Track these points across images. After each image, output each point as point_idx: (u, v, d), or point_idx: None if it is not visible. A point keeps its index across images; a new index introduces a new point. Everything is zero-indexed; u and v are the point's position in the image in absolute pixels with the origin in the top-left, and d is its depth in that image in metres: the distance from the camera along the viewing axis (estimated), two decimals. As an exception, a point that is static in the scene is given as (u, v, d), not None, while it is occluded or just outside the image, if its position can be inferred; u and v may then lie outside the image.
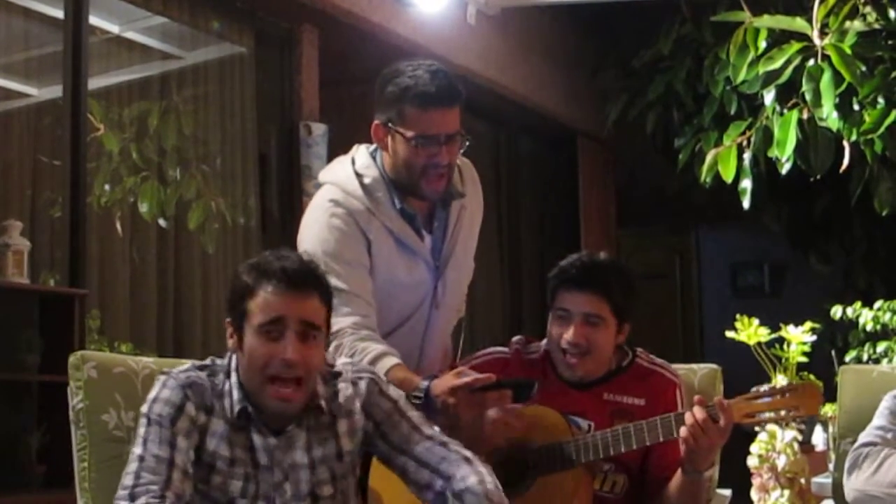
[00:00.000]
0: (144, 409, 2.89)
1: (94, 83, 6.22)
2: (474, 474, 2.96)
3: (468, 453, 3.03)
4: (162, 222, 6.61)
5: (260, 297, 2.91)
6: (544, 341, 3.68)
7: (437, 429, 3.11)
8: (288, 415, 2.96)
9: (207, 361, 3.03)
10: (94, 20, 6.18)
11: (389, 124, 3.51)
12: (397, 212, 3.56)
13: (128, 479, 2.81)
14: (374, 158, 3.62)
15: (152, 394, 2.91)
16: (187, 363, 3.03)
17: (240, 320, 2.94)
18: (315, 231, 3.55)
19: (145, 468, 2.81)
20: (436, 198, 3.59)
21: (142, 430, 2.87)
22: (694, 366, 3.94)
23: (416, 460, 3.05)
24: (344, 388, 3.07)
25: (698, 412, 3.29)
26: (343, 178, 3.60)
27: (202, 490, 2.90)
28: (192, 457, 2.88)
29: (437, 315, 3.69)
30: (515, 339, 3.80)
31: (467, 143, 3.57)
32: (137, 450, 2.84)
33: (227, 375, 2.99)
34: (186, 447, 2.87)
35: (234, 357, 2.99)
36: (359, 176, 3.57)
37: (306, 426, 2.99)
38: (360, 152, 3.67)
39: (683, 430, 3.30)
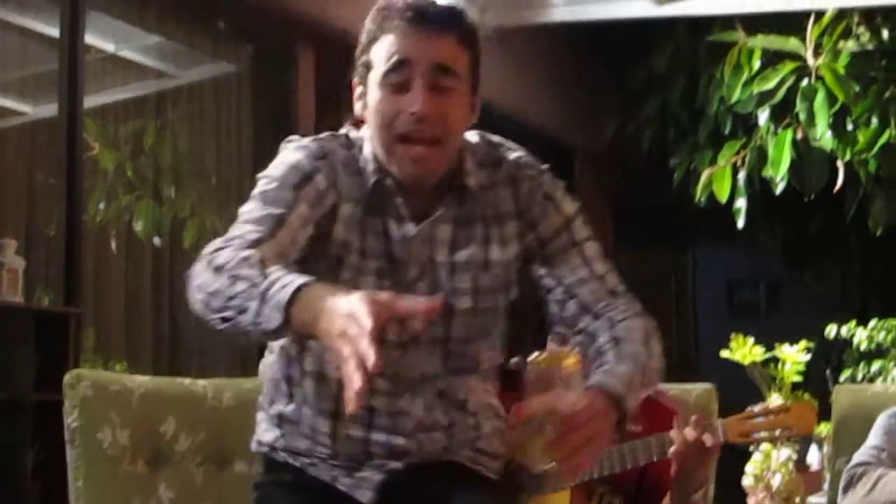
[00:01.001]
0: (263, 175, 2.50)
1: (90, 101, 6.23)
2: (641, 330, 2.51)
3: (639, 308, 2.58)
4: (157, 240, 6.61)
5: (383, 40, 2.44)
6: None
7: (608, 267, 2.62)
8: (428, 191, 2.50)
9: (343, 131, 2.60)
10: (89, 39, 6.19)
11: None
12: None
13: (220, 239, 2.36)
14: None
15: (275, 162, 2.52)
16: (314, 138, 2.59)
17: (364, 75, 2.49)
18: None
19: (246, 220, 2.39)
20: None
21: (254, 193, 2.46)
22: (689, 386, 3.94)
23: (580, 303, 2.57)
24: (502, 184, 2.59)
25: (689, 432, 3.29)
26: None
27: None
28: (309, 231, 2.43)
29: None
30: (513, 360, 3.80)
31: None
32: (242, 210, 2.43)
33: (362, 149, 2.53)
34: (306, 215, 2.43)
35: (364, 128, 2.54)
36: None
37: (452, 217, 2.53)
38: None
39: (672, 449, 3.30)
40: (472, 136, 2.62)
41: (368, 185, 2.49)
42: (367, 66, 2.47)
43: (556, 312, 2.63)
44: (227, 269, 2.23)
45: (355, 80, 2.53)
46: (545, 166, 2.68)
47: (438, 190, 2.52)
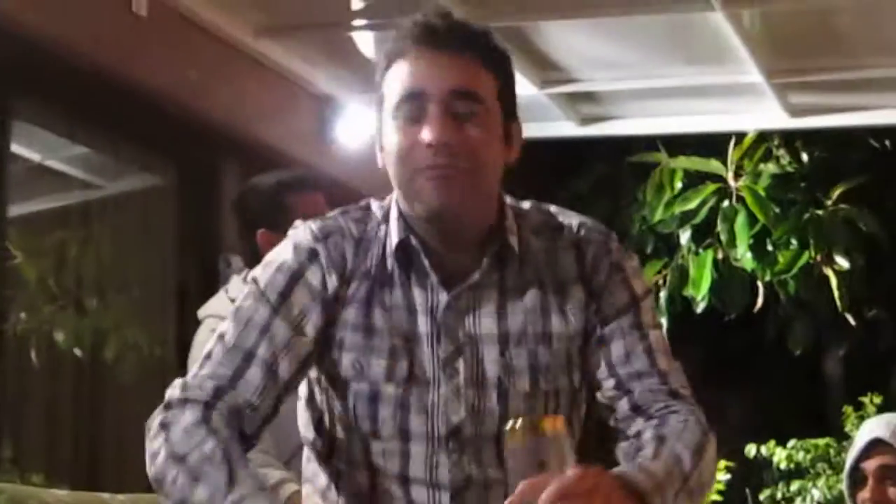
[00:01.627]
0: (253, 275, 2.25)
1: (13, 210, 6.19)
2: (695, 437, 2.14)
3: (701, 417, 2.24)
4: (78, 352, 6.55)
5: (395, 68, 2.16)
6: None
7: (674, 364, 2.28)
8: (464, 252, 2.19)
9: (363, 203, 2.29)
10: (15, 147, 6.17)
11: None
12: None
13: (194, 366, 2.18)
14: None
15: (271, 252, 2.25)
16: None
17: (380, 113, 2.21)
18: None
19: (215, 354, 2.16)
20: None
21: (237, 302, 2.22)
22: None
23: (632, 403, 2.19)
24: (564, 249, 2.26)
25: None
26: (222, 308, 3.61)
27: (333, 375, 2.17)
28: (299, 351, 2.15)
29: None
30: None
31: None
32: (222, 325, 2.19)
33: (386, 218, 2.23)
34: (286, 338, 2.13)
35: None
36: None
37: (497, 282, 2.19)
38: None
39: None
40: (524, 204, 2.35)
41: (391, 248, 2.18)
42: (381, 101, 2.19)
43: (605, 415, 2.25)
44: (189, 466, 1.99)
45: (374, 126, 2.26)
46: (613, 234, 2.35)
47: (478, 251, 2.20)
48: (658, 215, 7.97)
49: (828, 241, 7.75)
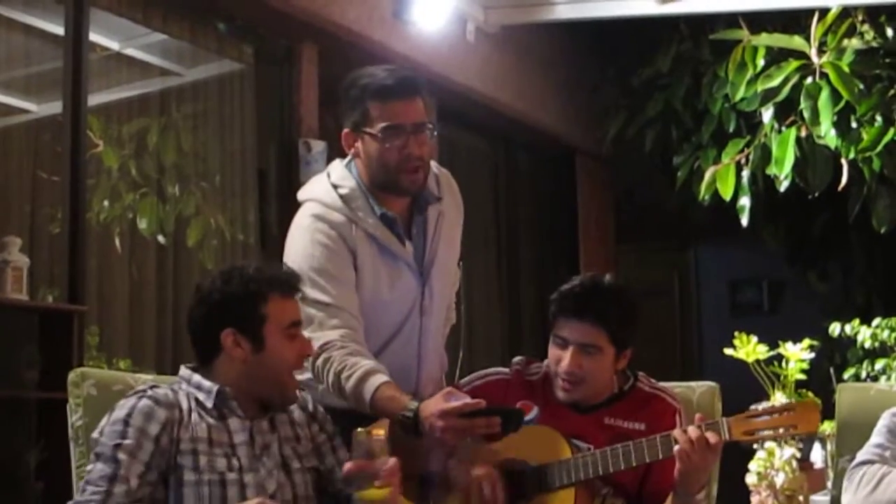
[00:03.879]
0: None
1: (94, 99, 6.22)
2: None
3: None
4: (161, 238, 6.61)
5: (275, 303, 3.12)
6: (545, 362, 3.66)
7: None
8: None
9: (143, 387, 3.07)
10: (94, 37, 6.19)
11: (357, 128, 3.56)
12: (377, 218, 3.56)
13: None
14: (349, 169, 3.64)
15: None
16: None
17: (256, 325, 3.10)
18: (300, 247, 3.55)
19: None
20: (416, 190, 3.60)
21: None
22: (693, 384, 3.94)
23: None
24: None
25: (692, 430, 3.28)
26: (321, 192, 3.62)
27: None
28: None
29: (427, 322, 3.66)
30: (516, 359, 3.79)
31: (435, 133, 3.63)
32: None
33: (198, 386, 3.11)
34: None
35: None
36: (336, 187, 3.59)
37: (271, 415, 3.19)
38: (335, 165, 3.70)
39: (677, 448, 3.29)
40: None
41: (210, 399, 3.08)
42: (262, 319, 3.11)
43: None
44: None
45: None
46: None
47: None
48: (740, 93, 7.87)
49: (913, 117, 7.65)
